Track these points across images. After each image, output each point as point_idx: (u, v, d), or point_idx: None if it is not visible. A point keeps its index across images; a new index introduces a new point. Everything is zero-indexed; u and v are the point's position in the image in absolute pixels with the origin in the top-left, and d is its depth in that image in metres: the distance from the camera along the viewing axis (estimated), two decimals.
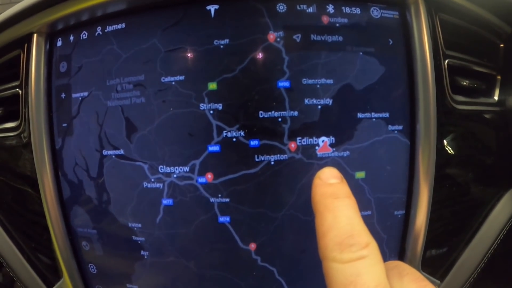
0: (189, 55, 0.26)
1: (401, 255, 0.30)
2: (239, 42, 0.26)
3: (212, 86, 0.26)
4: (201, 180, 0.27)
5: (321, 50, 0.26)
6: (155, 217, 0.29)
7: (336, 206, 0.15)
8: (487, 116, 0.31)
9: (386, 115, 0.27)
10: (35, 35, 0.32)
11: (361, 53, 0.26)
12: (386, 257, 0.30)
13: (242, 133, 0.26)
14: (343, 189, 0.16)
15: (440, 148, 0.29)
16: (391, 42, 0.27)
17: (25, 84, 0.34)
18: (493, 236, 0.33)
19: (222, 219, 0.28)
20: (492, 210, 0.33)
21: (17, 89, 0.35)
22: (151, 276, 0.30)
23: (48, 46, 0.32)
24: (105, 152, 0.29)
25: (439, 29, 0.29)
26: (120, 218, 0.30)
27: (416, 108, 0.27)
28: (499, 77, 0.32)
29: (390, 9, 0.27)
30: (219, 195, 0.27)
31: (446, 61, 0.29)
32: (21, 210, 0.36)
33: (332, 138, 0.26)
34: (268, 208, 0.27)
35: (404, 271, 0.15)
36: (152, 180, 0.28)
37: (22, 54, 0.34)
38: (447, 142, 0.30)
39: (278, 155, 0.26)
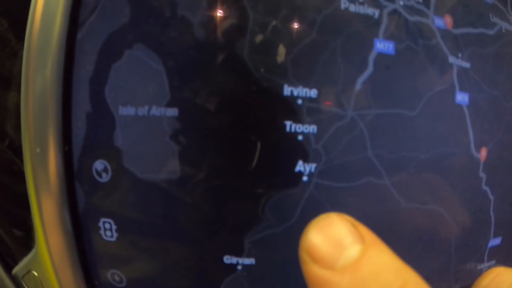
0: None
1: None
2: None
3: None
4: (438, 22, 0.16)
5: None
6: (359, 72, 0.14)
7: None
8: None
9: None
10: None
11: None
12: None
13: None
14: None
15: None
16: None
17: None
18: None
19: (460, 97, 0.16)
20: None
21: None
22: None
23: None
24: None
25: None
26: (269, 75, 0.13)
27: None
28: None
29: None
30: (459, 55, 0.16)
31: None
32: None
33: None
34: (503, 93, 0.18)
35: None
36: (361, 0, 0.14)
37: None
38: None
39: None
